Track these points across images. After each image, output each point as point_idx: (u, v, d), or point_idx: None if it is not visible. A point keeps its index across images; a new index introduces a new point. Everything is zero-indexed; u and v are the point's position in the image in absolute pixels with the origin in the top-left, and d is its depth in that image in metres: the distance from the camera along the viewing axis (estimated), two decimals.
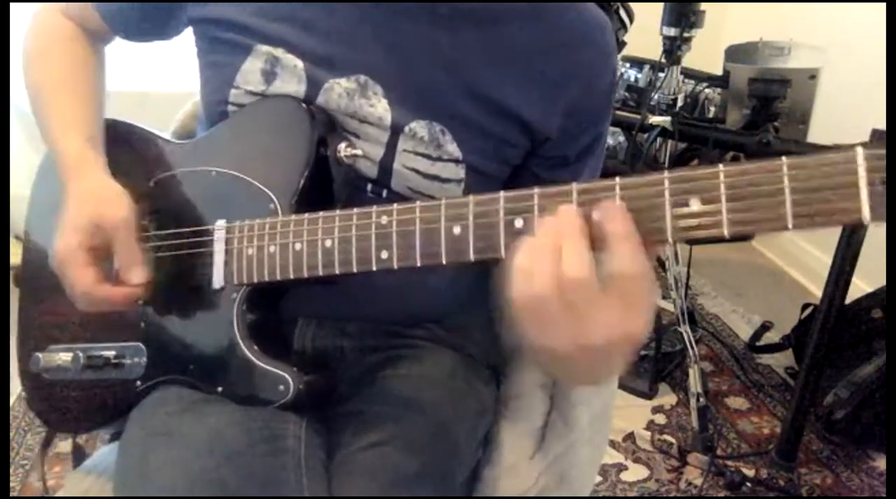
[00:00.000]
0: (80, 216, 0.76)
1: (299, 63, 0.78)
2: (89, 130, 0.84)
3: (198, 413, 0.74)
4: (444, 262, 0.62)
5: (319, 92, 0.79)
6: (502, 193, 0.60)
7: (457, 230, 0.61)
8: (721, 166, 0.52)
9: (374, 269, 0.66)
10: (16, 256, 2.08)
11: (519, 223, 0.59)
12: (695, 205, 0.53)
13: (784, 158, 0.50)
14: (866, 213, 0.47)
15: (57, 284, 0.84)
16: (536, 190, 0.58)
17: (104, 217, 0.76)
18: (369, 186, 0.81)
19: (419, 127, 0.79)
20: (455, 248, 0.62)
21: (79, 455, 0.99)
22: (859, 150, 0.47)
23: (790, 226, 0.49)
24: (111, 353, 0.81)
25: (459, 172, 0.80)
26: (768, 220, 0.50)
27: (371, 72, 0.78)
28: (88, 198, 0.78)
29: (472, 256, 0.61)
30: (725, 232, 0.52)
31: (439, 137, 0.79)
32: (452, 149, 0.79)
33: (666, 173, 0.53)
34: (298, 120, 0.76)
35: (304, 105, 0.77)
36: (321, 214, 0.70)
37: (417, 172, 0.80)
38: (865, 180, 0.47)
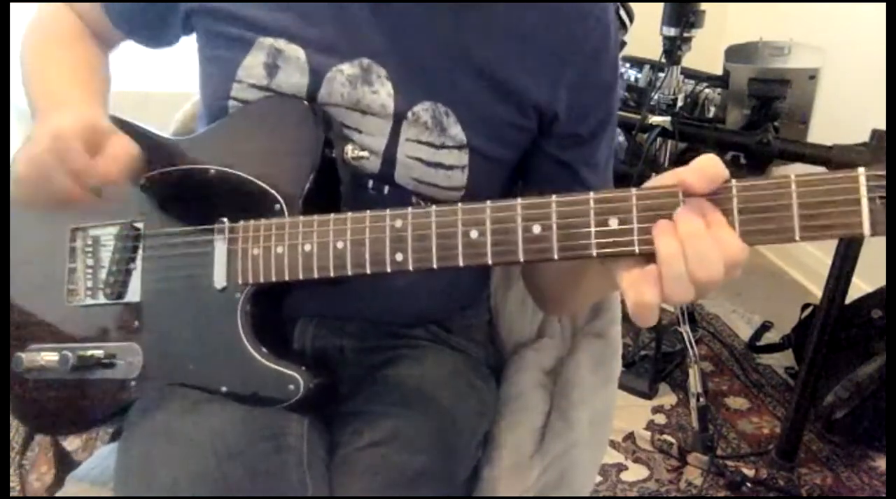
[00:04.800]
0: (81, 113, 0.74)
1: (301, 54, 0.78)
2: (100, 98, 0.83)
3: (199, 412, 0.74)
4: (461, 264, 0.63)
5: (322, 82, 0.78)
6: (519, 200, 0.60)
7: (474, 234, 0.62)
8: (733, 181, 0.55)
9: (389, 270, 0.66)
10: None
11: (537, 229, 0.60)
12: None
13: (792, 175, 0.53)
14: (867, 228, 0.51)
15: (40, 281, 0.82)
16: (554, 197, 0.60)
17: (101, 121, 0.73)
18: (370, 183, 0.81)
19: (423, 110, 0.78)
20: (472, 252, 0.62)
21: (65, 462, 0.97)
22: (861, 169, 0.51)
23: (797, 238, 0.53)
24: (101, 353, 0.79)
25: (463, 157, 0.80)
26: (777, 232, 0.53)
27: (374, 55, 0.78)
28: (86, 110, 0.76)
29: (490, 261, 0.62)
30: None
31: (443, 119, 0.79)
32: (456, 132, 0.79)
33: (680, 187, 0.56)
34: (305, 121, 0.76)
35: (308, 105, 0.77)
36: (332, 216, 0.70)
37: (421, 160, 0.79)
38: (866, 198, 0.51)
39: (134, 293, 0.81)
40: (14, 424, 1.75)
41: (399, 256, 0.66)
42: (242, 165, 0.77)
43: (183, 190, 0.80)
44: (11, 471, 1.64)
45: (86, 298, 0.83)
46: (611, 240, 0.58)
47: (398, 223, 0.66)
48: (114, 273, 0.81)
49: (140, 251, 0.81)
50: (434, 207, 0.64)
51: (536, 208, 0.60)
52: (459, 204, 0.63)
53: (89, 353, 0.79)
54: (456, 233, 0.63)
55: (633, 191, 0.57)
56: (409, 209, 0.65)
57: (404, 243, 0.65)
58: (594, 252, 0.58)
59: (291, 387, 0.72)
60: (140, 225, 0.81)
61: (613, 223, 0.57)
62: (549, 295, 0.91)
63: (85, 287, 0.83)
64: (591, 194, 0.58)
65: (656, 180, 0.58)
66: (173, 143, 0.85)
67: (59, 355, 0.79)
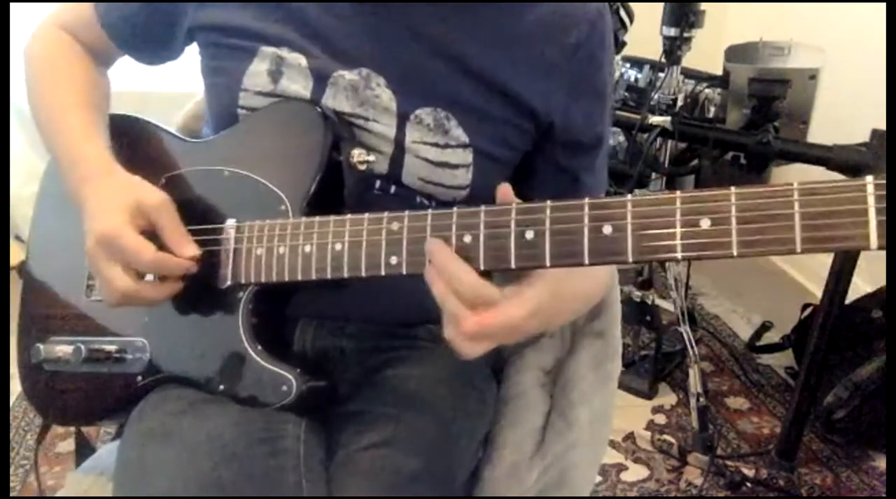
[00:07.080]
0: (121, 198, 0.75)
1: (303, 61, 0.79)
2: (106, 141, 0.84)
3: (197, 414, 0.74)
4: None
5: (326, 87, 0.79)
6: (514, 205, 0.61)
7: (467, 239, 0.62)
8: (733, 189, 0.53)
9: (384, 273, 0.67)
10: (16, 256, 2.08)
11: (530, 235, 0.60)
12: (705, 224, 0.54)
13: (795, 183, 0.51)
14: (874, 240, 0.48)
15: (65, 275, 0.83)
16: (549, 203, 0.59)
17: (146, 198, 0.75)
18: (377, 183, 0.82)
19: (424, 114, 0.79)
20: (465, 256, 0.62)
21: (84, 448, 0.99)
22: (869, 178, 0.48)
23: (798, 250, 0.50)
24: (113, 347, 0.82)
25: (467, 156, 0.80)
26: (777, 242, 0.51)
27: (372, 64, 0.79)
28: (124, 185, 0.78)
29: (482, 266, 0.62)
30: (734, 252, 0.53)
31: (444, 122, 0.79)
32: (458, 133, 0.80)
33: (678, 193, 0.54)
34: (313, 124, 0.77)
35: (318, 109, 0.78)
36: (332, 217, 0.70)
37: (428, 160, 0.80)
38: (874, 209, 0.48)
39: None
40: (15, 424, 1.75)
41: (394, 260, 0.66)
42: (253, 167, 0.79)
43: (197, 190, 0.82)
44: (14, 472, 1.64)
45: None
46: (605, 247, 0.57)
47: (395, 226, 0.66)
48: None
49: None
50: (430, 211, 0.64)
51: (531, 214, 0.60)
52: (455, 208, 0.63)
53: (99, 346, 0.82)
54: (450, 237, 0.63)
55: (629, 197, 0.56)
56: (407, 212, 0.66)
57: (399, 246, 0.66)
58: (587, 260, 0.57)
59: (284, 388, 0.73)
60: None
61: (607, 230, 0.57)
62: None
63: None
64: (587, 200, 0.58)
65: None
66: (190, 145, 0.87)
67: (73, 348, 0.83)
